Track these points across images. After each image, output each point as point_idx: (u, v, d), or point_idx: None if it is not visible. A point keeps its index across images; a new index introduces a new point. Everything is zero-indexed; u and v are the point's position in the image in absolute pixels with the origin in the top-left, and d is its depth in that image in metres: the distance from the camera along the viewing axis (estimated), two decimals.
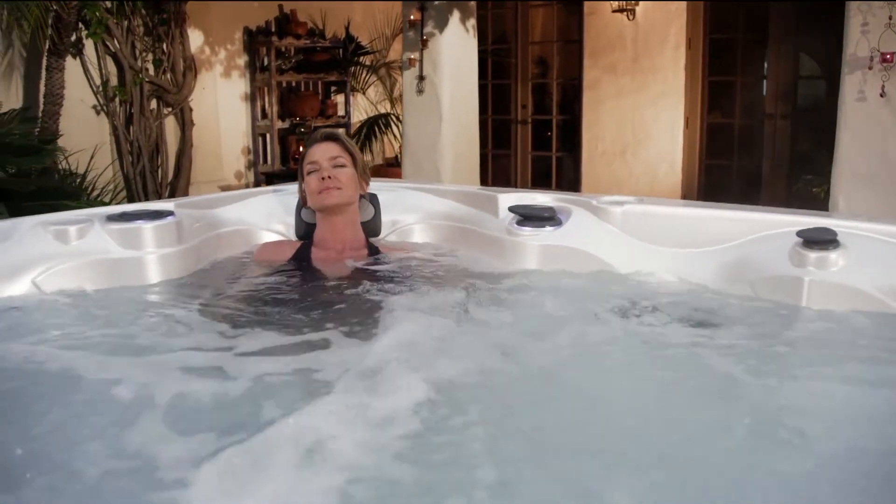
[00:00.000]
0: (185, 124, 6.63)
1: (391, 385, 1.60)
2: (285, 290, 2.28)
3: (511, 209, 2.42)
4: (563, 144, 7.61)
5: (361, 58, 7.63)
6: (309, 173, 2.47)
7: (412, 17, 5.37)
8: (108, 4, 5.87)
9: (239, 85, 7.21)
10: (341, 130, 7.70)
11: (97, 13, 5.65)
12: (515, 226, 2.38)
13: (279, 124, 7.21)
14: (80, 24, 5.77)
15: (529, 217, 2.38)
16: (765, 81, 6.39)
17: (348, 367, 1.67)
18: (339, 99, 7.78)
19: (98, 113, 6.14)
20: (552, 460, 1.36)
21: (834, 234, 1.99)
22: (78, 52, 5.88)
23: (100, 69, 6.00)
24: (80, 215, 2.32)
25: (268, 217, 2.68)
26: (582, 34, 7.13)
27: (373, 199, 2.69)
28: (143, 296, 2.22)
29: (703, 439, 1.44)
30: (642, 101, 6.90)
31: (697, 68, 6.70)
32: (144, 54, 6.28)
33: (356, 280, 2.41)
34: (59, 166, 5.10)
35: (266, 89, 7.20)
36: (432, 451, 1.36)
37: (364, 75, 7.69)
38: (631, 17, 6.74)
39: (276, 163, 7.36)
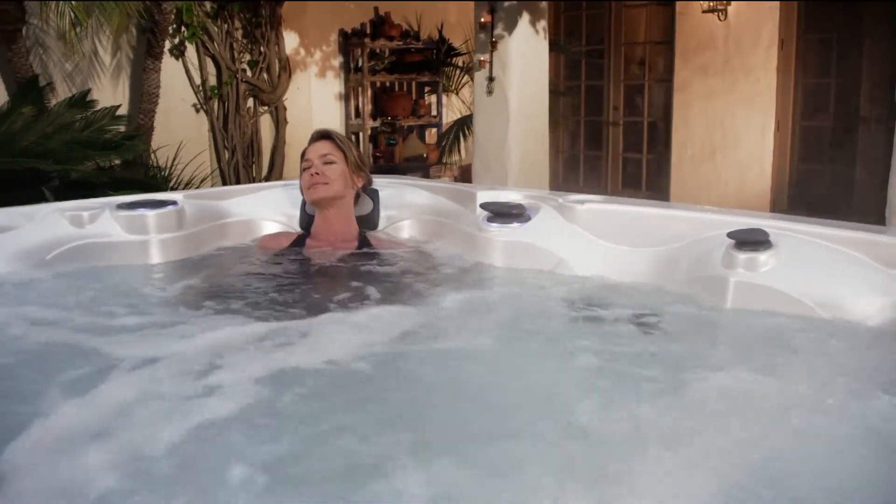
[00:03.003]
0: (279, 122, 7.05)
1: (321, 351, 1.84)
2: (268, 275, 2.53)
3: (482, 206, 2.57)
4: (653, 146, 7.59)
5: (455, 58, 7.84)
6: (303, 170, 2.71)
7: (483, 19, 5.54)
8: (207, 8, 6.34)
9: (333, 85, 7.56)
10: (433, 130, 7.96)
11: (194, 18, 6.12)
12: (485, 222, 2.52)
13: (371, 123, 7.52)
14: (182, 28, 6.26)
15: (498, 214, 2.52)
16: (860, 83, 6.18)
17: (289, 339, 1.91)
18: (432, 99, 8.03)
19: (198, 111, 6.62)
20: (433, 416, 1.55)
21: (765, 235, 2.04)
22: (180, 53, 6.38)
23: (200, 69, 6.49)
24: (94, 203, 2.63)
25: (274, 209, 2.92)
26: (673, 35, 7.10)
27: (373, 194, 2.90)
28: (141, 274, 2.52)
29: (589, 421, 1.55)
30: (733, 102, 6.81)
31: (790, 69, 6.55)
32: (241, 55, 6.72)
33: (339, 269, 2.63)
34: (152, 161, 5.56)
35: (359, 89, 7.52)
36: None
37: (457, 76, 7.90)
38: (722, 18, 6.66)
39: (368, 160, 7.68)
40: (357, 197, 2.82)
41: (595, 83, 7.85)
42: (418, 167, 7.53)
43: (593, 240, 2.38)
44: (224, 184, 6.61)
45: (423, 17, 7.68)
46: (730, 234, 2.05)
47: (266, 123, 7.01)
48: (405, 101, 7.69)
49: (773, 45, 6.56)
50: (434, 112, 7.98)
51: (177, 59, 6.38)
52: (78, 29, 4.74)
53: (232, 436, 1.45)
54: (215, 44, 6.50)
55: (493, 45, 5.52)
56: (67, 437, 1.45)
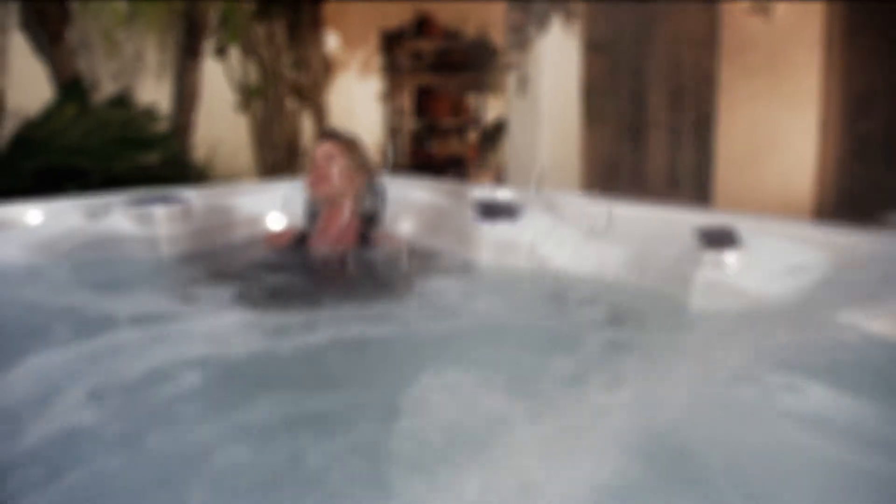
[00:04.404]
0: (320, 122, 7.26)
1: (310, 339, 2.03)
2: (270, 269, 2.72)
3: (474, 204, 2.70)
4: (696, 148, 7.60)
5: (497, 59, 7.97)
6: (309, 168, 2.89)
7: (515, 20, 5.67)
8: (249, 7, 6.58)
9: (374, 85, 7.75)
10: (474, 131, 8.09)
11: (236, 18, 6.37)
12: (476, 220, 2.66)
13: (412, 123, 7.70)
14: (225, 28, 6.51)
15: (489, 212, 2.65)
16: None
17: (282, 328, 2.11)
18: (474, 100, 8.16)
19: (239, 110, 6.87)
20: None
21: (732, 233, 2.14)
22: (222, 53, 6.63)
23: (242, 69, 6.74)
24: (108, 200, 2.84)
25: (281, 206, 3.10)
26: (718, 35, 7.11)
27: (377, 193, 3.05)
28: (149, 266, 2.73)
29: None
30: (776, 105, 6.80)
31: (835, 70, 6.52)
32: (283, 55, 6.96)
33: (338, 264, 2.80)
34: (191, 160, 5.81)
35: (401, 89, 7.70)
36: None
37: (499, 76, 8.03)
38: (767, 18, 6.66)
39: (409, 159, 7.86)
40: (361, 195, 2.98)
41: (638, 83, 7.89)
42: (457, 167, 7.67)
43: (578, 237, 2.50)
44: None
45: (466, 16, 7.83)
46: (698, 233, 2.15)
47: (307, 123, 7.23)
48: (447, 101, 7.84)
49: (819, 45, 6.54)
50: (476, 112, 8.12)
51: (219, 59, 6.63)
52: (117, 29, 5.01)
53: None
54: (257, 44, 6.74)
55: (526, 46, 5.64)
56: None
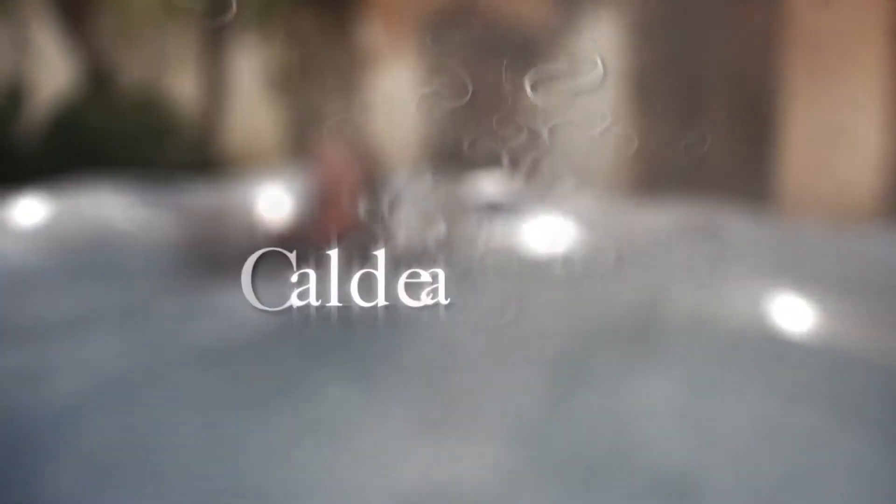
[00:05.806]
0: (355, 112, 7.34)
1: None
2: (264, 264, 2.83)
3: (475, 197, 2.78)
4: (756, 143, 7.51)
5: (546, 49, 7.98)
6: (311, 163, 3.00)
7: (553, 14, 5.69)
8: None
9: (413, 74, 7.81)
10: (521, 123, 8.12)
11: (266, 5, 6.50)
12: (477, 212, 2.74)
13: (451, 115, 7.77)
14: (255, 15, 6.65)
15: (489, 206, 2.73)
16: None
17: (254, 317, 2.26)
18: (521, 91, 8.19)
19: (269, 100, 6.99)
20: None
21: (715, 227, 2.19)
22: (252, 41, 6.76)
23: (273, 57, 6.86)
24: (110, 196, 2.99)
25: (284, 200, 3.21)
26: (779, 25, 7.01)
27: (382, 187, 3.15)
28: (151, 260, 2.86)
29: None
30: (842, 100, 6.67)
31: None
32: (317, 43, 7.07)
33: (338, 259, 2.91)
34: (219, 151, 5.97)
35: (441, 79, 7.77)
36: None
37: (543, 67, 8.04)
38: (831, 7, 6.56)
39: (448, 153, 7.93)
40: (364, 190, 3.07)
41: (691, 77, 7.83)
42: (502, 163, 7.71)
43: (574, 232, 2.56)
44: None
45: (513, 3, 7.84)
46: (680, 227, 2.21)
47: (342, 112, 7.31)
48: (490, 91, 7.89)
49: (887, 35, 6.40)
50: (521, 105, 8.14)
51: (248, 47, 6.75)
52: (146, 16, 5.19)
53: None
54: (292, 32, 6.85)
55: (563, 40, 5.67)
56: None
